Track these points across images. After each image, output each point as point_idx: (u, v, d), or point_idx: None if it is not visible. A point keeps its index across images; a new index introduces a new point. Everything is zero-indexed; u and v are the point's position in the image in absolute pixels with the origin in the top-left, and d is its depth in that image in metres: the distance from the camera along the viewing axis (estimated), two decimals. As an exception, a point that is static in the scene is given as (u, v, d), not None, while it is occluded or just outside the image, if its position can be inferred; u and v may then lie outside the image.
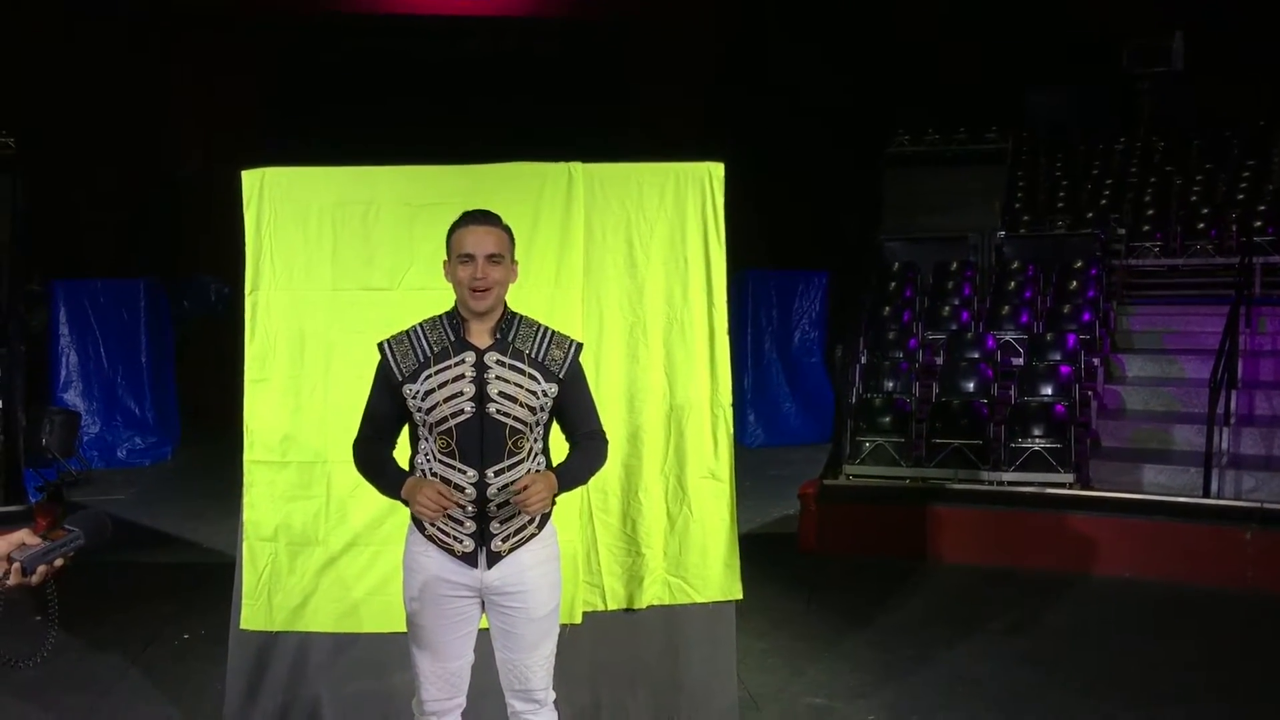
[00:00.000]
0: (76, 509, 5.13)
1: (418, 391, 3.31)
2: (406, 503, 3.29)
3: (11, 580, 2.28)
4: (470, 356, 3.33)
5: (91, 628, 6.48)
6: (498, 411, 3.31)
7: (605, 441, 3.57)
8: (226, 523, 5.47)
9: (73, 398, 12.69)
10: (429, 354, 3.34)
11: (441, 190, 4.67)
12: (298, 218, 4.63)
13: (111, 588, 7.44)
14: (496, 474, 3.32)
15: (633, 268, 4.77)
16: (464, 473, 3.31)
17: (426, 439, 3.35)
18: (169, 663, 6.00)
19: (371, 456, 3.44)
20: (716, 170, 4.81)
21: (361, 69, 16.71)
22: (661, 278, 4.79)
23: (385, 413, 3.42)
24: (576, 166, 4.71)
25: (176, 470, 12.87)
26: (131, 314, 13.26)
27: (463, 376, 3.31)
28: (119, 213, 15.68)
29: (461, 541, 3.35)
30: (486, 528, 3.35)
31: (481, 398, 3.30)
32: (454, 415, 3.29)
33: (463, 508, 3.29)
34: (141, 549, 8.88)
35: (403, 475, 3.37)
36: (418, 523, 3.40)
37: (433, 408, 3.29)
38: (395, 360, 3.36)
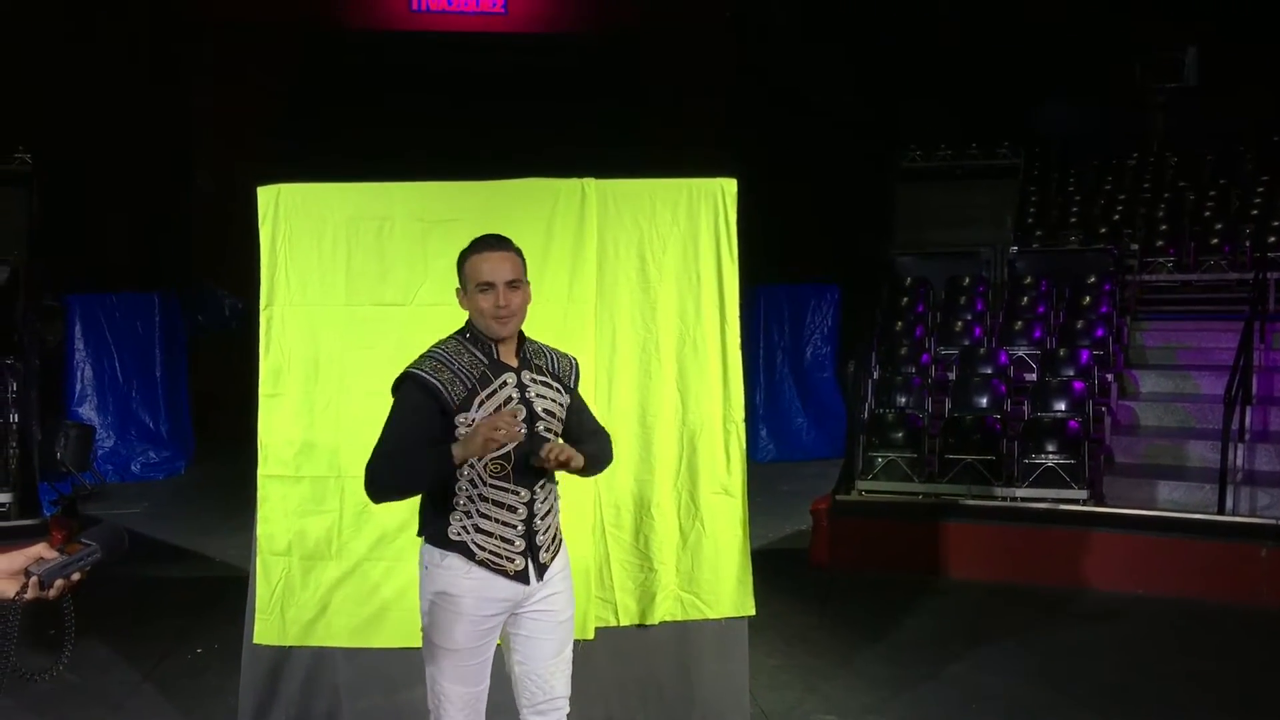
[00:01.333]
0: (91, 523, 5.15)
1: (474, 420, 3.25)
2: (462, 464, 3.18)
3: (29, 594, 2.28)
4: (510, 378, 3.35)
5: (105, 642, 6.49)
6: (545, 429, 3.35)
7: (609, 436, 3.64)
8: (240, 537, 5.49)
9: (87, 412, 12.71)
10: (473, 380, 3.30)
11: (455, 206, 4.70)
12: (312, 233, 4.65)
13: (125, 602, 7.45)
14: (541, 489, 3.37)
15: (645, 284, 4.78)
16: (517, 493, 3.32)
17: (474, 466, 3.27)
18: (182, 677, 6.01)
19: (402, 460, 3.24)
20: (729, 186, 4.83)
21: (379, 84, 16.80)
22: (674, 293, 4.80)
23: (424, 442, 3.26)
24: (590, 182, 4.73)
25: (190, 484, 12.88)
26: (146, 328, 13.30)
27: (512, 399, 3.32)
28: (134, 227, 15.75)
29: (513, 560, 3.34)
30: (534, 542, 3.37)
31: (531, 417, 3.32)
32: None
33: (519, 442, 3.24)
34: (155, 563, 8.90)
35: (444, 445, 3.21)
36: (465, 548, 3.30)
37: None
38: (447, 389, 3.25)
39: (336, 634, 4.64)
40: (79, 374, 12.80)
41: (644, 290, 4.78)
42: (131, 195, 15.42)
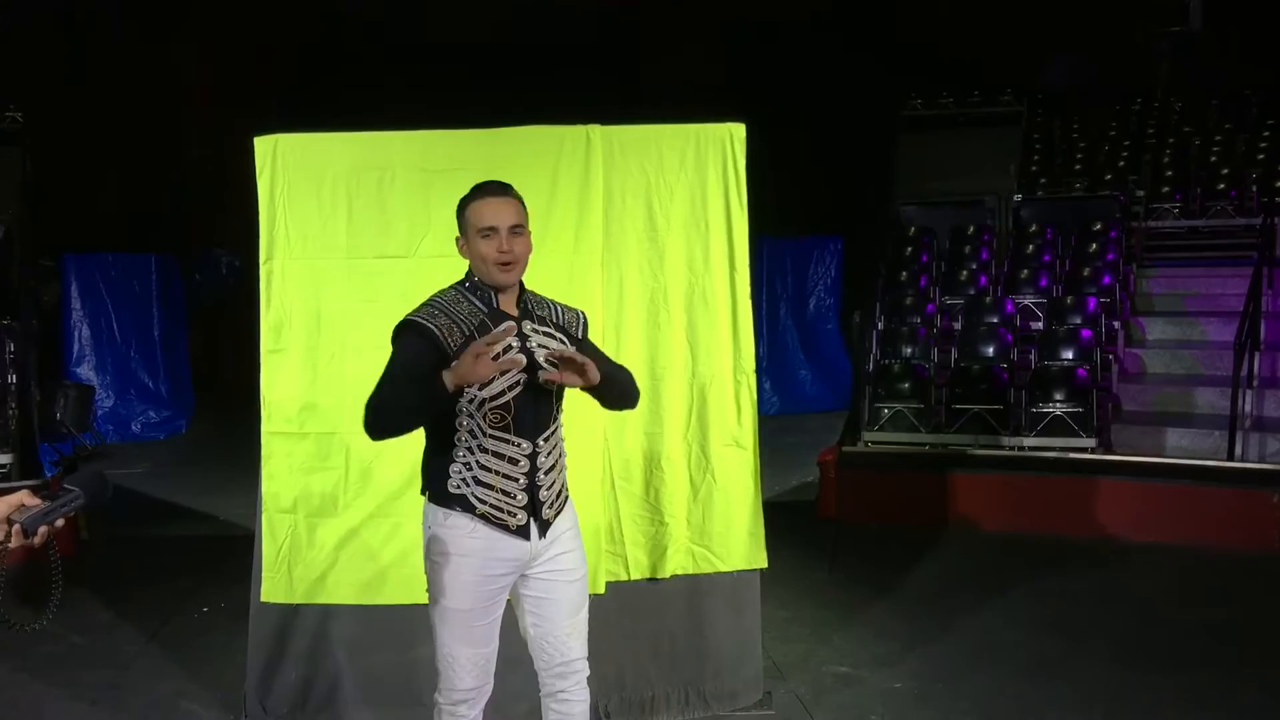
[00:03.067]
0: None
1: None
2: (456, 390, 3.06)
3: (13, 542, 2.26)
4: (510, 326, 3.25)
5: (110, 603, 6.47)
6: (545, 380, 3.25)
7: (631, 374, 3.52)
8: (244, 495, 5.42)
9: (86, 372, 12.67)
10: (471, 327, 3.22)
11: (457, 156, 4.59)
12: (312, 185, 4.55)
13: (130, 562, 7.44)
14: (545, 441, 3.29)
15: (653, 233, 4.68)
16: (518, 445, 3.24)
17: (473, 416, 3.21)
18: (189, 637, 5.98)
19: (398, 397, 3.15)
20: (738, 131, 4.72)
21: (374, 42, 16.57)
22: (682, 242, 4.70)
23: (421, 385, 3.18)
24: (595, 129, 4.61)
25: (191, 443, 12.87)
26: (143, 287, 13.24)
27: (511, 347, 3.22)
28: (129, 186, 15.62)
29: (515, 515, 3.27)
30: (536, 496, 3.28)
31: (531, 366, 3.23)
32: (511, 388, 3.21)
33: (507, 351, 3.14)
34: (159, 523, 8.88)
35: (434, 376, 3.08)
36: (465, 502, 3.25)
37: (489, 382, 3.17)
38: (444, 336, 3.18)
39: (344, 591, 4.58)
40: (76, 334, 12.75)
41: (652, 240, 4.68)
42: (126, 154, 15.28)
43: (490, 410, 3.21)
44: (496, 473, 3.24)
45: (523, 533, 3.28)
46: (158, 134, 15.95)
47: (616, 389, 3.40)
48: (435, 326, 3.20)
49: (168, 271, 13.71)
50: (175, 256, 14.21)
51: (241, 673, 4.81)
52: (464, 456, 3.25)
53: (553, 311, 3.40)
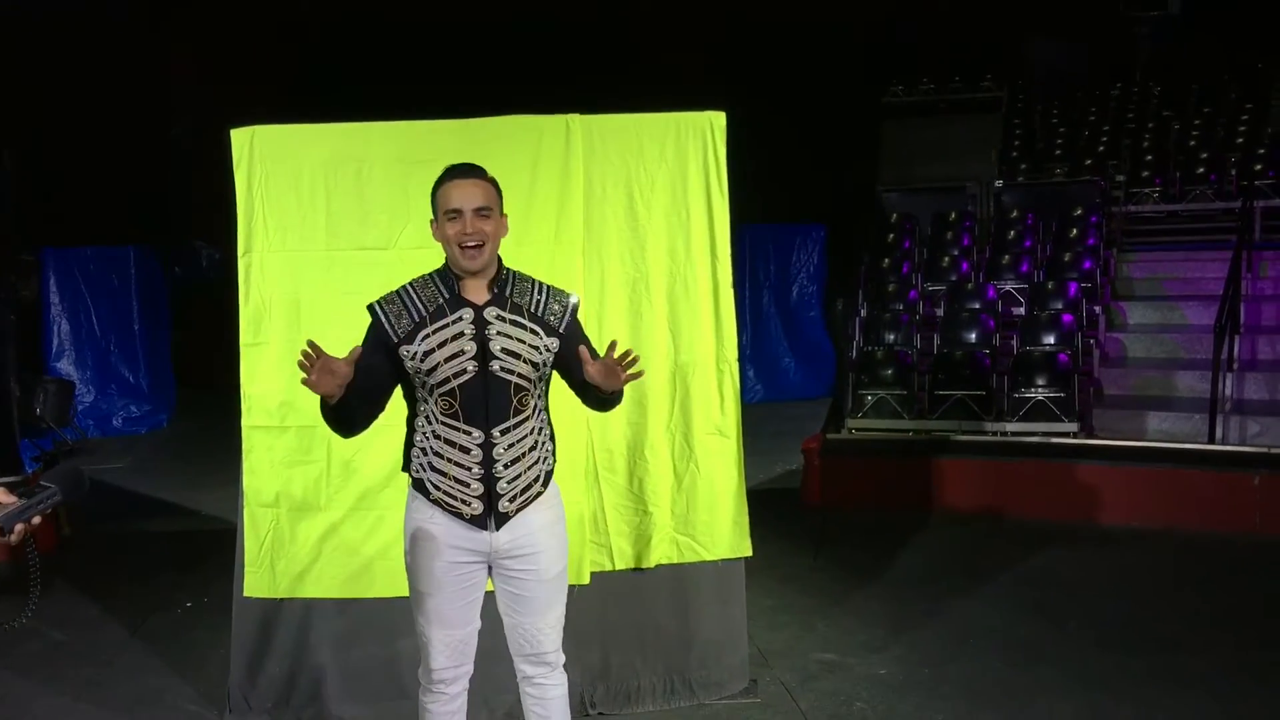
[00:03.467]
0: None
1: (416, 352, 3.19)
2: (325, 398, 3.06)
3: None
4: (468, 313, 3.22)
5: (93, 599, 6.43)
6: (502, 369, 3.21)
7: None
8: (225, 490, 5.39)
9: (66, 367, 12.59)
10: (424, 313, 3.22)
11: (436, 147, 4.54)
12: (290, 177, 4.52)
13: (111, 558, 7.40)
14: (502, 433, 3.24)
15: (634, 221, 4.67)
16: (469, 434, 3.22)
17: (426, 401, 3.25)
18: (172, 632, 5.94)
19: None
20: (718, 120, 4.70)
21: (354, 28, 16.45)
22: (664, 231, 4.69)
23: (377, 378, 3.23)
24: (575, 119, 4.59)
25: (173, 438, 12.80)
26: (123, 281, 13.15)
27: (463, 334, 3.20)
28: (108, 179, 15.49)
29: (469, 504, 3.25)
30: (494, 488, 3.25)
31: (484, 355, 3.20)
32: (456, 375, 3.19)
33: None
34: (140, 518, 8.83)
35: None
36: (422, 486, 3.29)
37: (433, 368, 3.18)
38: (389, 321, 3.22)
39: (327, 585, 4.57)
40: (55, 329, 12.66)
41: (632, 228, 4.67)
42: (105, 147, 15.14)
43: (439, 397, 3.21)
44: (449, 460, 3.24)
45: (478, 522, 3.27)
46: (137, 126, 15.83)
47: (604, 394, 3.35)
48: (384, 312, 3.24)
49: (147, 265, 13.61)
50: (155, 250, 14.11)
51: (225, 667, 4.80)
52: (421, 441, 3.28)
53: (535, 299, 3.32)
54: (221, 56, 16.03)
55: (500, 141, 4.56)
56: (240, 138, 4.52)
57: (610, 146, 4.64)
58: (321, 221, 4.53)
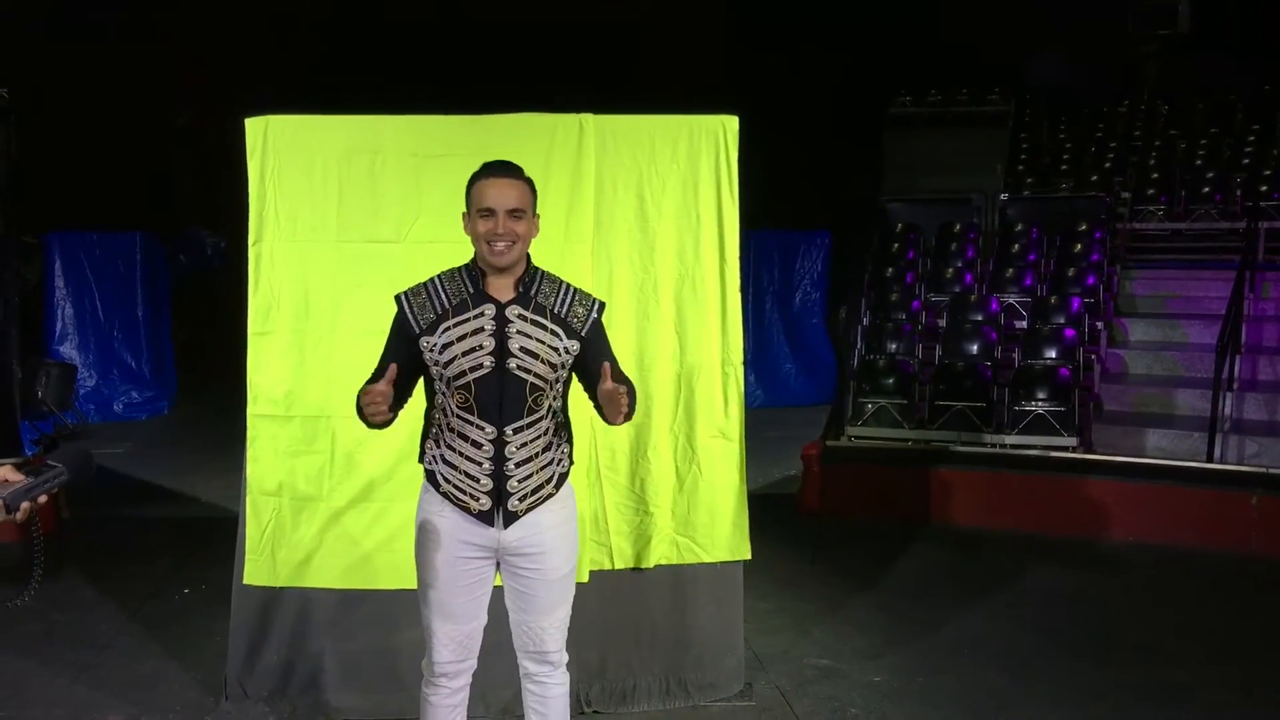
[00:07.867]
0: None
1: (435, 344, 3.20)
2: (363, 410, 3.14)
3: None
4: (490, 309, 3.23)
5: (91, 583, 6.44)
6: (518, 367, 3.21)
7: (634, 387, 3.40)
8: (226, 477, 5.42)
9: (68, 350, 12.61)
10: (447, 306, 3.23)
11: (449, 141, 4.58)
12: (303, 167, 4.53)
13: (110, 542, 7.41)
14: (515, 431, 3.24)
15: (644, 223, 4.68)
16: (482, 429, 3.23)
17: (444, 394, 3.26)
18: (170, 618, 5.95)
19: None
20: (731, 124, 4.72)
21: (359, 21, 16.46)
22: (673, 233, 4.70)
23: (400, 366, 3.22)
24: (588, 118, 4.61)
25: (174, 424, 12.82)
26: (127, 267, 13.17)
27: (482, 330, 3.21)
28: (114, 165, 15.50)
29: (478, 499, 3.26)
30: (504, 486, 3.26)
31: (502, 352, 3.20)
32: (473, 369, 3.20)
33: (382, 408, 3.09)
34: (140, 503, 8.84)
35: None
36: (434, 478, 3.31)
37: (450, 361, 3.19)
38: (413, 312, 3.24)
39: (327, 575, 4.58)
40: (59, 313, 12.68)
41: (642, 229, 4.68)
42: (111, 132, 15.16)
43: (455, 390, 3.22)
44: (460, 454, 3.25)
45: (485, 518, 3.27)
46: (144, 112, 15.84)
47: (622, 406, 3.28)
48: (409, 304, 3.27)
49: (152, 251, 13.63)
50: (160, 237, 14.13)
51: (221, 654, 4.81)
52: (435, 433, 3.31)
53: (561, 301, 3.31)
54: (222, 52, 16.04)
55: (514, 138, 4.56)
56: (255, 126, 4.53)
57: (623, 147, 4.65)
58: (333, 212, 4.54)
